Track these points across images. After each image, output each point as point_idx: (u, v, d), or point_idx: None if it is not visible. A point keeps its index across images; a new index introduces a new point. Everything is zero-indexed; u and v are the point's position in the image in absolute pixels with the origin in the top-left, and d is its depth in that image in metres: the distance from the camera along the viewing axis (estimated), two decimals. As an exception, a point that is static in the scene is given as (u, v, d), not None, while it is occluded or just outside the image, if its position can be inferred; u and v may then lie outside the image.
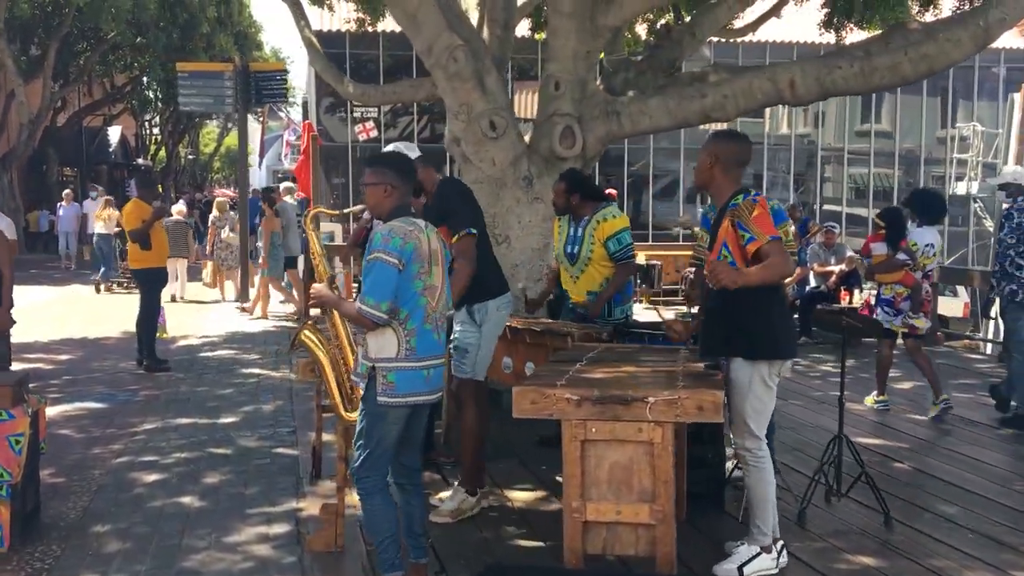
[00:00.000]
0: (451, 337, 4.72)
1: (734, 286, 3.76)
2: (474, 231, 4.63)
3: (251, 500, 5.05)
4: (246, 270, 13.92)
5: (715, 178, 3.98)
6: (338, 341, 3.98)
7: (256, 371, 8.74)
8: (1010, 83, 23.30)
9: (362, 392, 3.64)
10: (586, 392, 3.51)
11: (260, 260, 12.26)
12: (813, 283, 11.25)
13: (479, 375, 4.82)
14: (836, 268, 10.91)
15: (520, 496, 5.08)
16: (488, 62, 7.38)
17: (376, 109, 21.00)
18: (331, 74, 10.23)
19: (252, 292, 13.29)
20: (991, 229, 17.31)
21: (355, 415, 3.92)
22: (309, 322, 4.06)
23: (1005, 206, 7.36)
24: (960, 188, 18.46)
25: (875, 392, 7.33)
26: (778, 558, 4.03)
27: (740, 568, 3.95)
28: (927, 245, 7.05)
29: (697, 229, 5.84)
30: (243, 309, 13.09)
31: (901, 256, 7.01)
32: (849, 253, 11.13)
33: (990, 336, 12.12)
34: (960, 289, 17.68)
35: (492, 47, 7.84)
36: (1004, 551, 4.32)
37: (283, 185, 15.36)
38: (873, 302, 7.62)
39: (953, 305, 17.05)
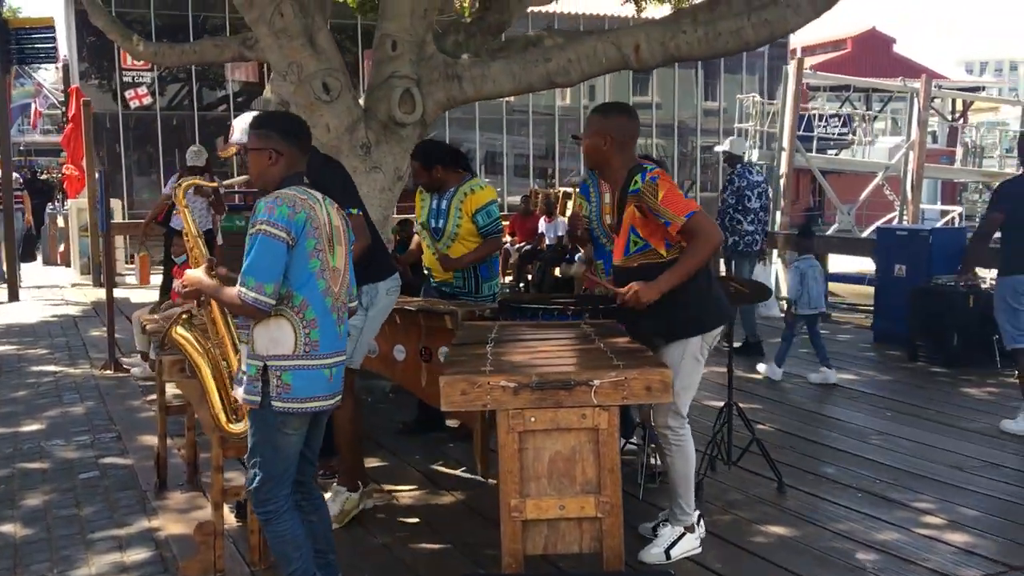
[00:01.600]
0: None
1: (656, 297, 3.56)
2: (358, 211, 4.16)
3: (91, 523, 4.30)
4: (12, 254, 12.34)
5: (610, 159, 3.74)
6: (218, 338, 3.34)
7: (50, 368, 7.67)
8: (772, 58, 24.88)
9: (248, 397, 3.08)
10: (523, 378, 3.15)
11: None
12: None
13: (355, 363, 4.34)
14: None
15: (403, 491, 4.67)
16: (318, 18, 6.77)
17: (148, 74, 19.28)
18: (117, 31, 9.09)
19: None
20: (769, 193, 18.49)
21: (240, 427, 3.36)
22: (182, 315, 3.39)
23: (729, 172, 8.38)
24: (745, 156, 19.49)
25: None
26: (700, 536, 3.88)
27: (667, 551, 3.77)
28: None
29: (576, 195, 5.61)
30: None
31: None
32: None
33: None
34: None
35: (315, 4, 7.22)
36: (896, 508, 4.41)
37: None
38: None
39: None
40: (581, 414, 3.18)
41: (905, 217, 18.87)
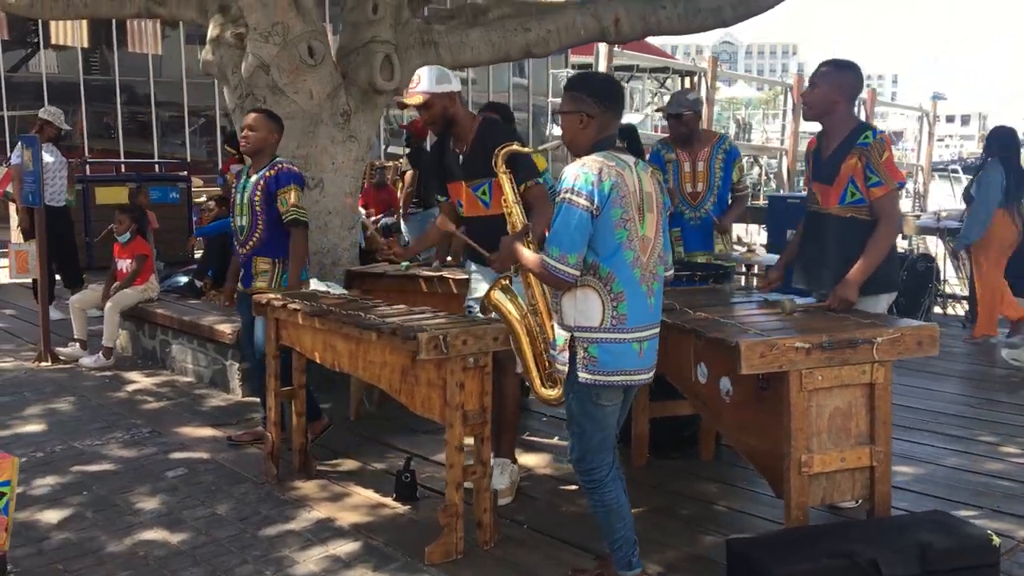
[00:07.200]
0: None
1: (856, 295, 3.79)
2: (541, 180, 4.07)
3: (244, 520, 3.89)
4: None
5: (838, 111, 3.93)
6: (533, 304, 3.28)
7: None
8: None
9: (560, 367, 3.05)
10: (815, 338, 3.32)
11: None
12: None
13: None
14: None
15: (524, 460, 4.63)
16: (303, -23, 6.36)
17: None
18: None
19: None
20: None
21: (554, 393, 3.30)
22: (503, 279, 3.26)
23: None
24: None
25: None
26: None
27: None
28: None
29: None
30: None
31: None
32: None
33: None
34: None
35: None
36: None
37: None
38: None
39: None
40: (861, 370, 3.40)
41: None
